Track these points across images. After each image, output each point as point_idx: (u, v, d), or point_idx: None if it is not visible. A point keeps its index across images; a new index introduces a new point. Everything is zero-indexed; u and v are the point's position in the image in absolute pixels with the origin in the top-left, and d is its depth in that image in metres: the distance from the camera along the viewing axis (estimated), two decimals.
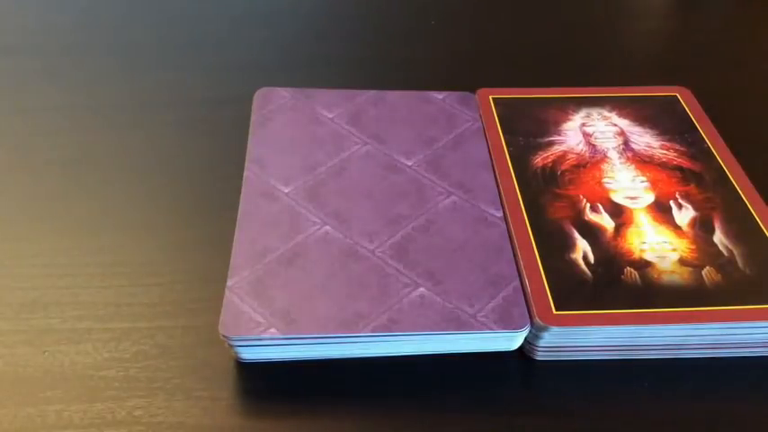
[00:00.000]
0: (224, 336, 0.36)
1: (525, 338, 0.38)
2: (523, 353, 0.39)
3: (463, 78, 0.55)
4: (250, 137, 0.48)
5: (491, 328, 0.37)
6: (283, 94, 0.51)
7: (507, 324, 0.37)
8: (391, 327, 0.37)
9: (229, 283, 0.38)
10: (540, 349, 0.38)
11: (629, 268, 0.40)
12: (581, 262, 0.41)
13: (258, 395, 0.37)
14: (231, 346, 0.37)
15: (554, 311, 0.38)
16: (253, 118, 0.49)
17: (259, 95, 0.51)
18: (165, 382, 0.37)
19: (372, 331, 0.36)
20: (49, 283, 0.41)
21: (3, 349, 0.38)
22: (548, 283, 0.39)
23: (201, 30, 0.63)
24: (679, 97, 0.53)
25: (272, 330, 0.36)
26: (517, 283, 0.39)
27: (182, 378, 0.37)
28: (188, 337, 0.39)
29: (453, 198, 0.44)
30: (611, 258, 0.41)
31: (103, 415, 0.35)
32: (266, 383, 0.37)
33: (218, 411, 0.36)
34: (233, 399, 0.36)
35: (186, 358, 0.38)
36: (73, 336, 0.39)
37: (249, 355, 0.37)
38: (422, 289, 0.39)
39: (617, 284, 0.39)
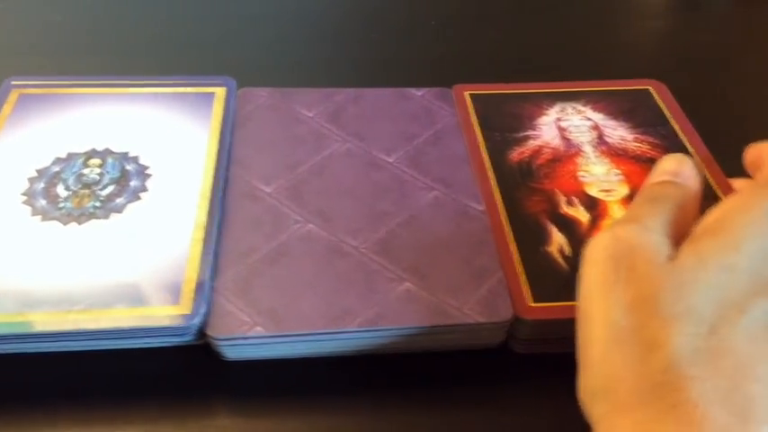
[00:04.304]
0: (210, 336, 0.36)
1: (508, 331, 0.39)
2: (507, 346, 0.40)
3: (437, 75, 0.56)
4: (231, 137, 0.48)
5: (477, 320, 0.38)
6: (261, 94, 0.51)
7: (492, 315, 0.38)
8: (378, 321, 0.37)
9: (215, 283, 0.39)
10: (521, 342, 0.39)
11: None
12: (557, 255, 0.41)
13: (245, 393, 0.37)
14: (217, 345, 0.37)
15: (530, 304, 0.39)
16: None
17: (238, 95, 0.51)
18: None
19: (359, 326, 0.37)
20: None
21: None
22: (524, 275, 0.40)
23: (178, 31, 0.63)
24: (651, 91, 0.54)
25: (259, 329, 0.36)
26: (501, 274, 0.40)
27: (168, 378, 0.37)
28: None
29: (435, 193, 0.45)
30: None
31: None
32: (252, 381, 0.38)
33: (205, 411, 0.36)
34: (220, 397, 0.37)
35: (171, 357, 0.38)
36: None
37: (235, 354, 0.38)
38: (407, 284, 0.39)
39: None
